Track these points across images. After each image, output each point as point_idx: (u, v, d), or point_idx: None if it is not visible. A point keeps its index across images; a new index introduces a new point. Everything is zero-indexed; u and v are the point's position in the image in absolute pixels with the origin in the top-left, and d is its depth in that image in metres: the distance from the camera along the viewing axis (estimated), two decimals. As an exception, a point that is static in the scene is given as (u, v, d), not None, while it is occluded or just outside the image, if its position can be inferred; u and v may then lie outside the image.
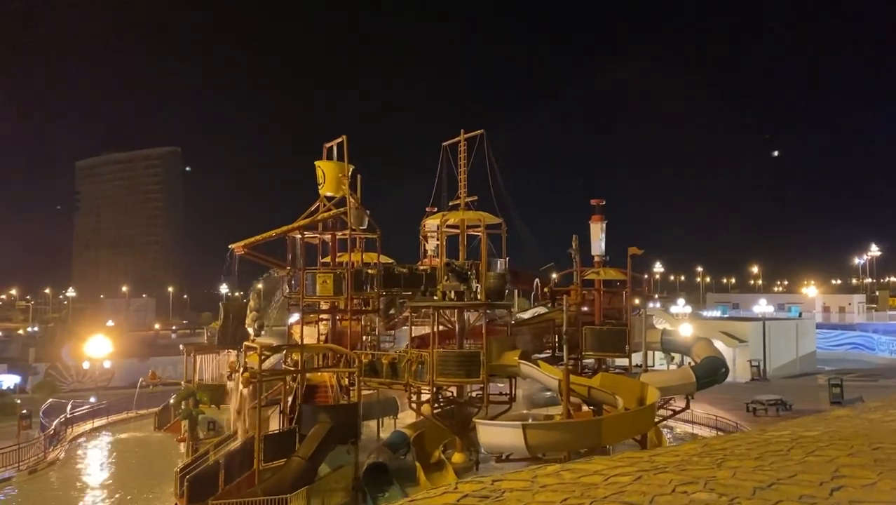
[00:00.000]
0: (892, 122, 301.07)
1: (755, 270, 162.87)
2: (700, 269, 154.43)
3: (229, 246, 30.39)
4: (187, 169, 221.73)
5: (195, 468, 24.37)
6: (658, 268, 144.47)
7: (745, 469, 4.56)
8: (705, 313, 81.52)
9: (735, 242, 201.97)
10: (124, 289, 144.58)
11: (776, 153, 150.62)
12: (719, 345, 54.88)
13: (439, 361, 27.00)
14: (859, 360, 61.86)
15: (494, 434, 22.73)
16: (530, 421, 31.08)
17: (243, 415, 25.28)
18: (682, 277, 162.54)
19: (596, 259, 33.02)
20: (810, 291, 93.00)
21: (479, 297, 28.73)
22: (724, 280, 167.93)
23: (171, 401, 33.42)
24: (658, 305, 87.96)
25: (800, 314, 74.23)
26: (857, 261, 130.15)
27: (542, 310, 35.88)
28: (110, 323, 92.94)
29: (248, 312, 28.04)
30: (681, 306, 53.82)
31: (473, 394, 29.36)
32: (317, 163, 32.35)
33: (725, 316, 76.65)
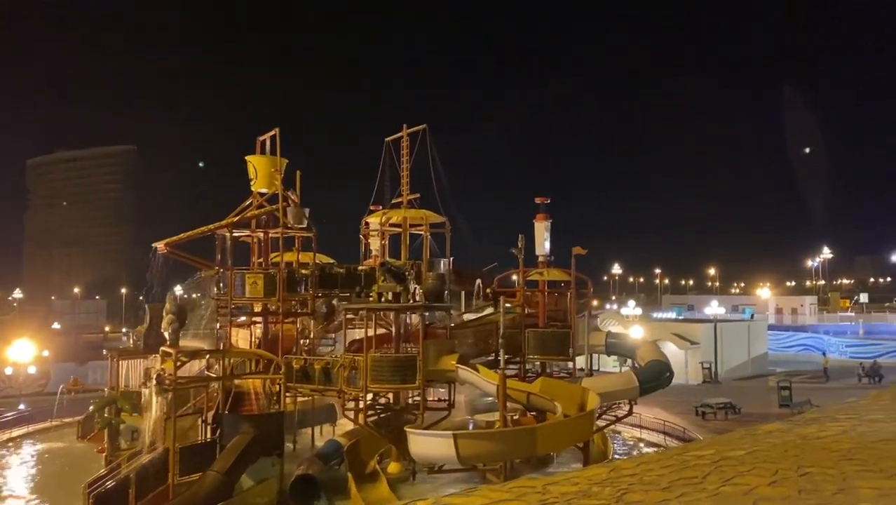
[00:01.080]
0: (842, 125, 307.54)
1: (712, 271, 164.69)
2: (658, 270, 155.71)
3: (152, 245, 28.62)
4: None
5: (105, 482, 22.60)
6: (617, 269, 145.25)
7: None
8: (661, 315, 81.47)
9: (694, 244, 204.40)
10: (76, 290, 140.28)
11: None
12: (671, 347, 54.52)
13: (373, 366, 25.62)
14: (810, 361, 62.03)
15: (425, 444, 21.50)
16: (471, 428, 29.99)
17: (157, 425, 23.57)
18: (641, 279, 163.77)
19: (540, 259, 31.97)
20: (764, 292, 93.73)
21: (417, 298, 27.44)
22: (682, 282, 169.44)
23: (91, 409, 31.39)
24: (615, 306, 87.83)
25: (752, 316, 74.47)
26: (809, 263, 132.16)
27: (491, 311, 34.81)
28: (56, 326, 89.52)
29: (164, 314, 26.33)
30: (631, 308, 53.15)
31: (410, 400, 28.03)
32: (247, 158, 30.75)
33: (681, 318, 76.61)
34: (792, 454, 8.90)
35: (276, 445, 24.46)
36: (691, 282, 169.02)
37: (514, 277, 32.73)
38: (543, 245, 31.79)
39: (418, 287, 27.58)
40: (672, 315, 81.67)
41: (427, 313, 31.13)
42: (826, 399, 38.37)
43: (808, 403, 36.01)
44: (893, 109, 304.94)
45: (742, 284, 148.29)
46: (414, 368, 25.56)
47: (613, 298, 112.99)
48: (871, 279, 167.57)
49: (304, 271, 29.78)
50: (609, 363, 45.16)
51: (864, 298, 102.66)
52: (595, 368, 37.92)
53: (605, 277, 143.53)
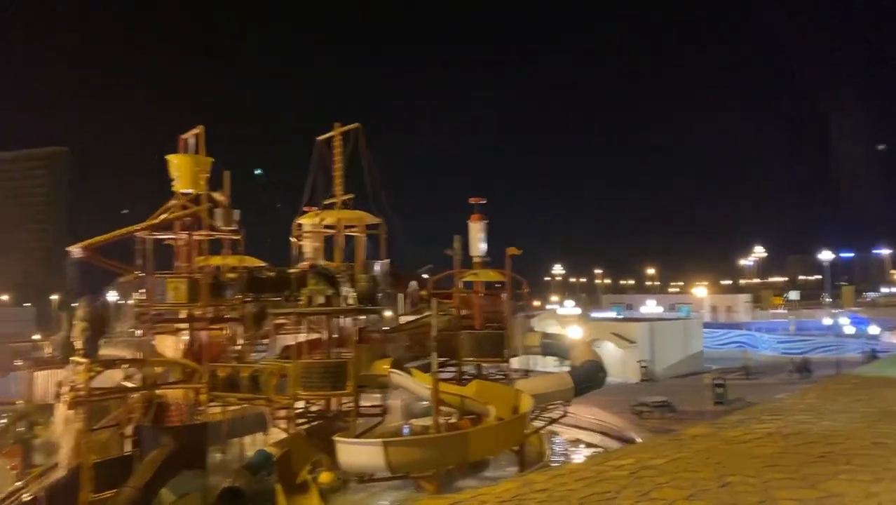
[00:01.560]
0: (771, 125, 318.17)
1: (652, 271, 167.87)
2: (599, 270, 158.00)
3: (66, 249, 27.07)
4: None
5: (10, 502, 21.15)
6: (558, 270, 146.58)
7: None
8: (601, 315, 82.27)
9: (635, 245, 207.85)
10: (4, 297, 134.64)
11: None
12: (610, 346, 54.98)
13: (302, 372, 24.73)
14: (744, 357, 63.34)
15: (354, 453, 20.76)
16: (406, 433, 29.30)
17: (69, 439, 22.19)
18: (583, 279, 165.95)
19: (475, 260, 31.52)
20: (700, 291, 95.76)
21: (350, 302, 26.62)
22: (623, 282, 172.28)
23: (4, 423, 29.61)
24: (557, 307, 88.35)
25: (688, 314, 75.82)
26: (744, 263, 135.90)
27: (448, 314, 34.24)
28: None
29: (76, 321, 24.89)
30: (569, 308, 53.33)
31: (343, 407, 27.19)
32: (168, 157, 29.43)
33: (620, 317, 77.48)
34: (714, 462, 8.49)
35: (199, 458, 23.34)
36: (631, 282, 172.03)
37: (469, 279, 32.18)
38: (479, 246, 31.35)
39: (350, 290, 26.75)
40: (612, 314, 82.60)
41: (364, 317, 30.52)
42: (759, 395, 39.02)
43: (741, 401, 36.56)
44: (818, 114, 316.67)
45: (681, 284, 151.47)
46: (345, 373, 24.80)
47: (555, 298, 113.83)
48: (802, 277, 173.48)
49: (230, 275, 28.63)
50: (550, 364, 45.15)
51: (794, 295, 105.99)
52: (539, 369, 37.80)
53: (548, 278, 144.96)
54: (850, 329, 60.44)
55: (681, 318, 68.43)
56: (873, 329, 61.13)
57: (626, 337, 54.34)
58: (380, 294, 29.50)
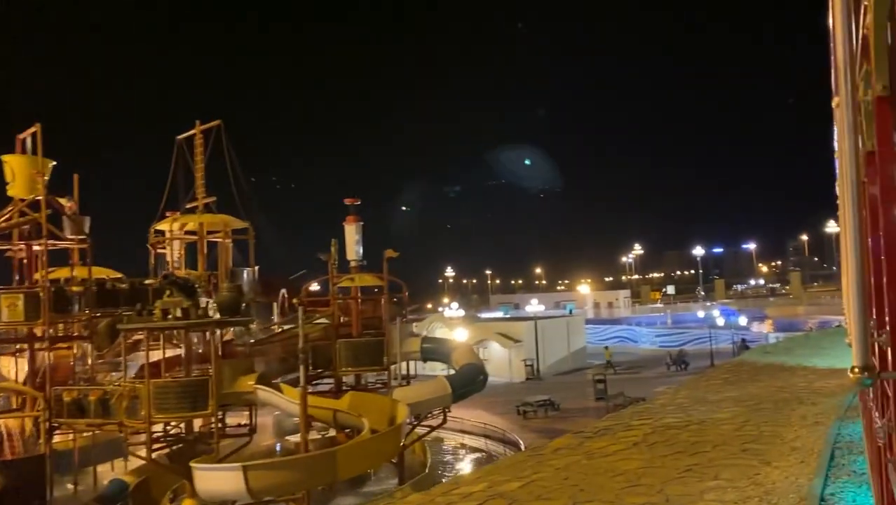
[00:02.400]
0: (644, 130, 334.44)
1: (539, 270, 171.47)
2: (489, 271, 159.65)
3: None
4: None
5: None
6: (449, 272, 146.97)
7: None
8: (488, 315, 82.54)
9: (524, 245, 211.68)
10: None
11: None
12: (496, 346, 54.85)
13: (157, 393, 22.44)
14: (624, 352, 65.01)
15: (212, 479, 18.90)
16: (278, 450, 27.51)
17: None
18: (474, 280, 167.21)
19: (352, 265, 30.10)
20: (583, 288, 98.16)
21: (210, 313, 24.52)
22: (513, 282, 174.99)
23: None
24: (449, 309, 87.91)
25: (571, 311, 77.25)
26: (624, 259, 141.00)
27: (325, 321, 32.46)
28: None
29: None
30: (454, 309, 52.83)
31: (204, 429, 25.06)
32: (2, 157, 26.34)
33: (507, 316, 77.90)
34: (571, 483, 7.50)
35: (37, 494, 20.74)
36: (520, 281, 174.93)
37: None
38: (355, 249, 29.94)
39: (211, 301, 24.67)
40: (499, 314, 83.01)
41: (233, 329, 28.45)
42: (638, 389, 39.70)
43: (621, 396, 36.95)
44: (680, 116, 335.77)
45: (566, 282, 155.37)
46: (206, 392, 22.74)
47: (445, 300, 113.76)
48: (678, 272, 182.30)
49: (75, 288, 25.90)
50: (437, 368, 44.31)
51: (671, 290, 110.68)
52: (429, 374, 36.81)
53: (440, 280, 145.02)
54: (721, 321, 63.17)
55: (564, 315, 69.47)
56: (742, 320, 64.20)
57: (512, 336, 54.35)
58: (246, 304, 27.57)
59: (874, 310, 4.03)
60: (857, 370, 2.15)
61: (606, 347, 58.42)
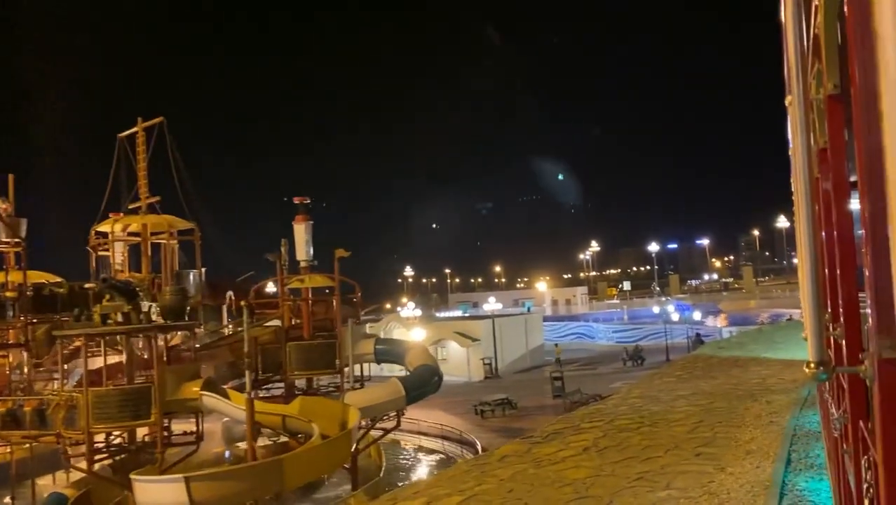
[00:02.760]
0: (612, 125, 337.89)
1: (498, 269, 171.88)
2: (448, 270, 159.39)
3: None
4: None
5: None
6: (409, 271, 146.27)
7: None
8: (447, 314, 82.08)
9: (483, 243, 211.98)
10: None
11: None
12: (454, 345, 54.40)
13: (96, 402, 21.45)
14: (581, 348, 65.24)
15: (153, 492, 18.04)
16: (227, 458, 26.63)
17: None
18: (434, 280, 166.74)
19: (302, 265, 29.31)
20: (541, 286, 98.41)
21: (152, 317, 23.55)
22: (472, 280, 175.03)
23: None
24: (409, 309, 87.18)
25: (529, 309, 77.20)
26: (582, 256, 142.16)
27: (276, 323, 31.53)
28: None
29: None
30: (410, 309, 52.18)
31: (147, 438, 24.07)
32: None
33: (466, 315, 77.52)
34: (516, 497, 6.99)
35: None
36: (480, 280, 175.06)
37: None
38: (305, 249, 29.14)
39: (154, 305, 23.69)
40: (458, 313, 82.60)
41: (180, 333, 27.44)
42: (595, 385, 39.70)
43: (578, 393, 36.84)
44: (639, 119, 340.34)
45: (526, 279, 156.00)
46: (148, 399, 21.81)
47: (404, 300, 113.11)
48: (634, 268, 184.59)
49: (10, 294, 24.67)
50: (396, 370, 43.72)
51: (627, 286, 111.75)
52: (387, 375, 36.04)
53: (399, 280, 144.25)
54: (676, 316, 63.73)
55: (522, 313, 69.36)
56: (696, 315, 64.91)
57: (470, 335, 53.95)
58: (193, 307, 26.63)
59: (829, 304, 4.02)
60: (812, 365, 2.12)
61: (556, 345, 58.48)
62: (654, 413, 11.00)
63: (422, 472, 30.46)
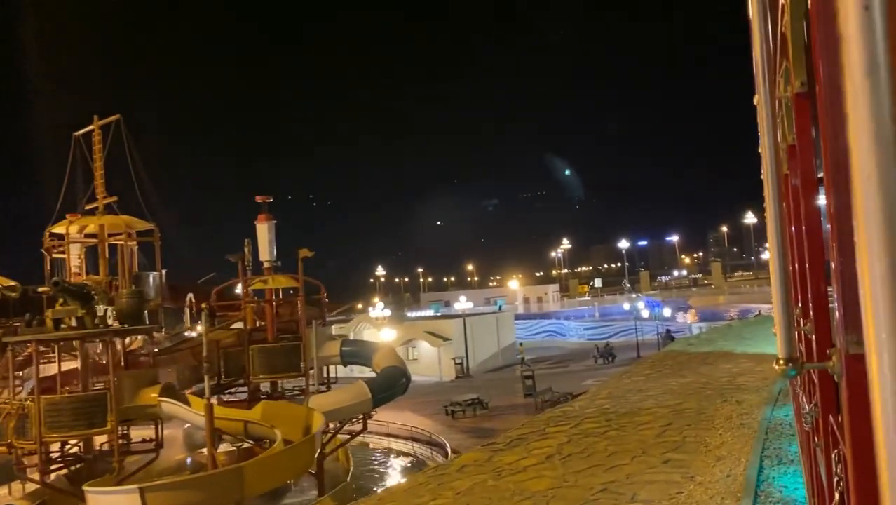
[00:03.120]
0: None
1: (470, 267, 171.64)
2: (420, 269, 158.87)
3: None
4: None
5: None
6: (381, 271, 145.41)
7: None
8: (419, 313, 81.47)
9: (456, 242, 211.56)
10: None
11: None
12: (425, 345, 53.89)
13: (48, 410, 20.63)
14: (553, 346, 65.10)
15: (106, 503, 17.28)
16: (188, 464, 25.87)
17: None
18: (406, 279, 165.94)
19: (265, 266, 28.60)
20: (513, 284, 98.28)
21: (108, 321, 22.73)
22: (445, 279, 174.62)
23: None
24: (372, 309, 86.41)
25: (500, 307, 76.91)
26: (553, 254, 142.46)
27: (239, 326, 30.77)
28: None
29: None
30: (379, 310, 51.65)
31: (105, 447, 23.25)
32: None
33: (437, 314, 76.96)
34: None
35: None
36: (452, 279, 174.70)
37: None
38: (268, 249, 28.44)
39: (110, 308, 22.86)
40: (430, 312, 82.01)
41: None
42: (566, 384, 39.49)
43: (549, 391, 36.58)
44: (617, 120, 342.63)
45: (498, 278, 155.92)
46: (104, 407, 21.05)
47: (376, 300, 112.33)
48: (605, 265, 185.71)
49: (-44, 299, 23.63)
50: (367, 371, 43.12)
51: (598, 283, 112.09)
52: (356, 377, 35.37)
53: (372, 280, 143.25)
54: (646, 312, 63.86)
55: (493, 311, 69.05)
56: (667, 311, 65.16)
57: (441, 335, 53.47)
58: (152, 310, 25.82)
59: (799, 299, 4.02)
60: (782, 362, 2.10)
61: (520, 344, 58.21)
62: (622, 415, 10.62)
63: (392, 475, 29.96)
